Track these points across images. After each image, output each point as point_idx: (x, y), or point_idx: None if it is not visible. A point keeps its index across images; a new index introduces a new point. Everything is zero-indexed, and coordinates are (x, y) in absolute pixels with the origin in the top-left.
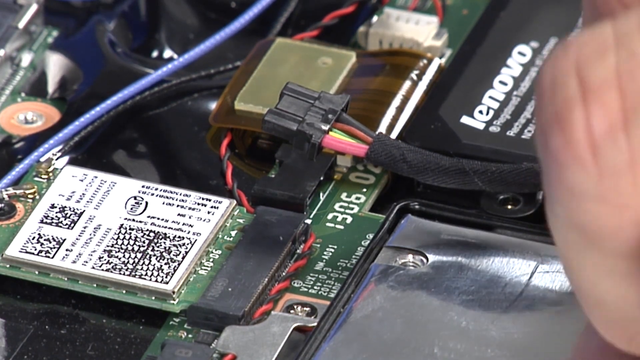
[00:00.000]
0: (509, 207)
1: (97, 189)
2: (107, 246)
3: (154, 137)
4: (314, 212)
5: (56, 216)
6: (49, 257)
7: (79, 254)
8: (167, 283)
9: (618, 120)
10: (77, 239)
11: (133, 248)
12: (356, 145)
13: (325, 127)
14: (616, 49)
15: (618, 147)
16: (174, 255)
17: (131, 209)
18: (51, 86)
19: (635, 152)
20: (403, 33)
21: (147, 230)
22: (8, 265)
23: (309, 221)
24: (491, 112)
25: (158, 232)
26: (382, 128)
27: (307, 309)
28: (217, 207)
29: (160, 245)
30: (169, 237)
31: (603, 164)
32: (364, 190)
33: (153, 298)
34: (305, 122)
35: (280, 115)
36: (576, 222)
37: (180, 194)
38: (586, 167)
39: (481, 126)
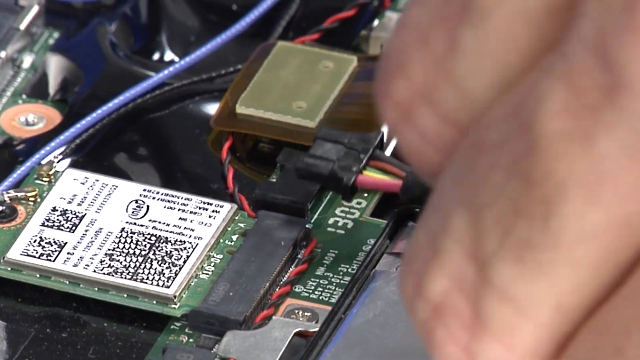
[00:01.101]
0: None
1: (99, 192)
2: (109, 250)
3: (155, 140)
4: (315, 216)
5: (57, 219)
6: (50, 260)
7: (81, 257)
8: (168, 287)
9: None
10: (78, 242)
11: (134, 252)
12: (390, 183)
13: (356, 168)
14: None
15: None
16: (175, 259)
17: (132, 212)
18: (52, 88)
19: None
20: None
21: (149, 234)
22: (9, 268)
23: (310, 226)
24: None
25: (159, 236)
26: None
27: (309, 314)
28: (219, 212)
29: (162, 249)
30: (170, 241)
31: None
32: (365, 195)
33: (154, 302)
34: (337, 165)
35: (313, 161)
36: None
37: (182, 198)
38: None
39: None
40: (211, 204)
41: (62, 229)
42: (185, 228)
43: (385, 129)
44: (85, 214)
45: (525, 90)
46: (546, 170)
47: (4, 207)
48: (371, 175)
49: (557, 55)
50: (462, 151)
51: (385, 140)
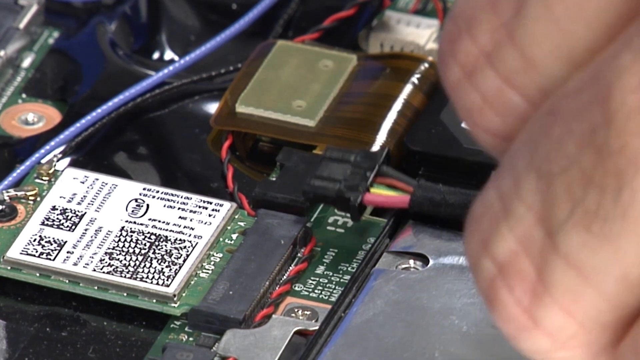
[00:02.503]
0: None
1: (98, 191)
2: (108, 249)
3: (155, 139)
4: (315, 215)
5: (57, 218)
6: (50, 259)
7: (80, 256)
8: (168, 286)
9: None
10: (78, 241)
11: (134, 251)
12: (398, 198)
13: (363, 187)
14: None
15: None
16: (175, 258)
17: (132, 211)
18: (52, 87)
19: None
20: (404, 36)
21: (148, 233)
22: (9, 267)
23: (309, 225)
24: None
25: (159, 234)
26: (383, 132)
27: (308, 312)
28: (218, 210)
29: (162, 248)
30: (170, 240)
31: None
32: None
33: (154, 301)
34: (343, 184)
35: (319, 182)
36: None
37: (182, 197)
38: None
39: None
40: (211, 203)
41: (61, 228)
42: (185, 227)
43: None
44: (85, 212)
45: (604, 61)
46: (621, 144)
47: (3, 206)
48: (378, 193)
49: (636, 29)
50: (537, 117)
51: (391, 155)
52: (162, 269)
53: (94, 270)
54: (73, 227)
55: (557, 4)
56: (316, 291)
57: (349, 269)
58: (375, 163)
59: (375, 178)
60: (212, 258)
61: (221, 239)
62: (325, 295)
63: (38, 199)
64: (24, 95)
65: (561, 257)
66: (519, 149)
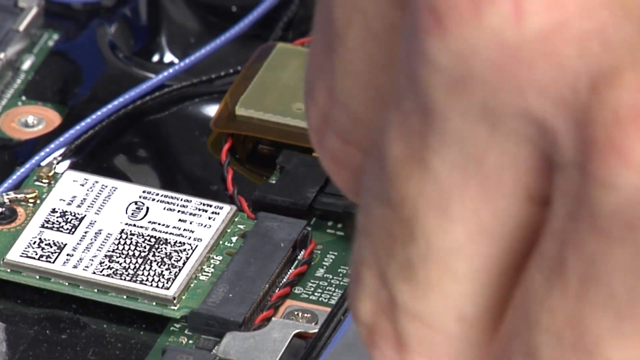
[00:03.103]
0: None
1: (98, 194)
2: (108, 251)
3: (155, 142)
4: (315, 218)
5: (57, 221)
6: (50, 261)
7: (80, 259)
8: (168, 289)
9: None
10: (78, 243)
11: (134, 253)
12: None
13: None
14: None
15: None
16: (174, 261)
17: (132, 214)
18: (52, 90)
19: None
20: None
21: (148, 235)
22: (9, 270)
23: (309, 227)
24: None
25: (159, 237)
26: None
27: (308, 315)
28: (218, 213)
29: (161, 251)
30: (169, 242)
31: None
32: None
33: (154, 304)
34: (350, 201)
35: (327, 199)
36: None
37: (181, 200)
38: None
39: None
40: (211, 206)
41: (61, 231)
42: (184, 230)
43: None
44: (85, 215)
45: (381, 118)
46: (400, 194)
47: (3, 209)
48: None
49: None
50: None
51: None
52: (162, 271)
53: (94, 272)
54: (73, 229)
55: (351, 56)
56: (316, 294)
57: (349, 271)
58: None
59: None
60: (211, 261)
61: (221, 242)
62: (325, 298)
63: (38, 201)
64: (23, 98)
65: (402, 310)
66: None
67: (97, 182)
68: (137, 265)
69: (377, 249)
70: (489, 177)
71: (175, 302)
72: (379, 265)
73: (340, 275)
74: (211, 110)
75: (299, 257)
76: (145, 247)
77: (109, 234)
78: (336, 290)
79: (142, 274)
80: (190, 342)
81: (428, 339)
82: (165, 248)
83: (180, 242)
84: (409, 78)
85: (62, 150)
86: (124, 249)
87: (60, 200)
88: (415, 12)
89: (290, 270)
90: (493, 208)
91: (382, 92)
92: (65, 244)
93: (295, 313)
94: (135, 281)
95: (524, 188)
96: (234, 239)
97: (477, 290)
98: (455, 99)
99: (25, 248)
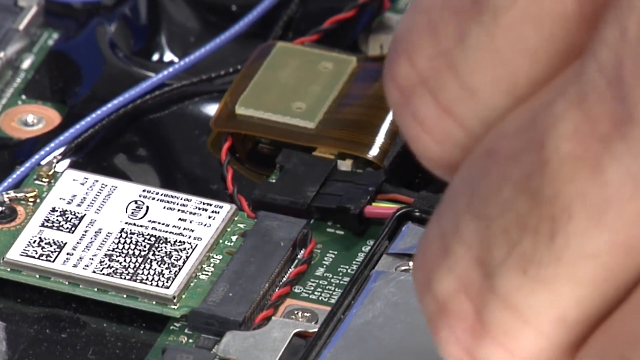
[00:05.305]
0: None
1: (98, 192)
2: (108, 250)
3: (155, 141)
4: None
5: (57, 220)
6: (49, 260)
7: (80, 258)
8: (168, 288)
9: None
10: (78, 242)
11: (134, 252)
12: (400, 208)
13: (364, 199)
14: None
15: None
16: (174, 260)
17: (132, 213)
18: (51, 89)
19: None
20: None
21: (148, 234)
22: (9, 269)
23: (309, 226)
24: None
25: (159, 236)
26: (382, 134)
27: (308, 314)
28: (218, 212)
29: (161, 250)
30: (169, 241)
31: None
32: None
33: (154, 303)
34: (345, 198)
35: (322, 197)
36: None
37: (181, 199)
38: None
39: None
40: (211, 205)
41: (61, 230)
42: (184, 229)
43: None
44: (85, 214)
45: (540, 106)
46: (555, 190)
47: (3, 208)
48: (380, 205)
49: (573, 77)
50: (475, 156)
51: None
52: (162, 270)
53: (94, 271)
54: (73, 228)
55: (500, 35)
56: (316, 293)
57: (349, 270)
58: (379, 180)
59: (377, 194)
60: (211, 260)
61: (221, 241)
62: (324, 297)
63: (38, 200)
64: (23, 97)
65: (498, 298)
66: (458, 186)
67: (97, 181)
68: (137, 265)
69: (492, 233)
70: None
71: (175, 301)
72: (484, 248)
73: (340, 274)
74: (211, 109)
75: (298, 256)
76: (145, 246)
77: (109, 233)
78: (336, 289)
79: (142, 273)
80: (190, 341)
81: (515, 331)
82: (165, 247)
83: (180, 241)
84: (613, 84)
85: (62, 149)
86: (123, 248)
87: (60, 199)
88: None
89: (290, 269)
90: None
91: (521, 78)
92: (65, 243)
93: (295, 312)
94: (135, 280)
95: None
96: (233, 238)
97: (590, 298)
98: None
99: (25, 247)
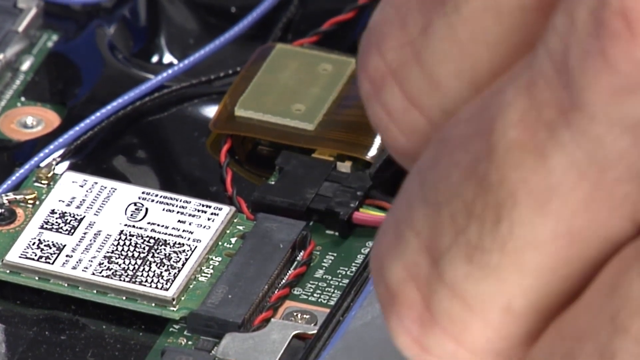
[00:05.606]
0: None
1: (97, 195)
2: (107, 252)
3: (154, 143)
4: (314, 219)
5: (56, 222)
6: (49, 262)
7: (79, 260)
8: (167, 290)
9: None
10: (77, 245)
11: (133, 254)
12: None
13: (353, 204)
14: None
15: None
16: (174, 262)
17: (131, 215)
18: (51, 91)
19: None
20: None
21: (147, 236)
22: (8, 271)
23: (308, 228)
24: None
25: (158, 238)
26: None
27: (307, 316)
28: (217, 214)
29: (160, 252)
30: (169, 243)
31: None
32: None
33: (153, 305)
34: (333, 201)
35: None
36: None
37: (180, 201)
38: None
39: None
40: (210, 207)
41: (60, 232)
42: (184, 231)
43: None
44: (84, 216)
45: (492, 93)
46: (500, 177)
47: (2, 210)
48: (368, 213)
49: (525, 66)
50: (430, 144)
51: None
52: (161, 272)
53: (93, 274)
54: (72, 230)
55: (461, 26)
56: (315, 295)
57: (348, 272)
58: (367, 184)
59: (365, 199)
60: (211, 262)
61: (220, 243)
62: (324, 299)
63: (37, 202)
64: (22, 99)
65: (446, 286)
66: (413, 173)
67: (96, 183)
68: (137, 267)
69: (440, 220)
70: (604, 188)
71: (174, 303)
72: (433, 235)
73: (340, 276)
74: (210, 111)
75: (298, 258)
76: (144, 248)
77: (108, 235)
78: (335, 291)
79: (142, 275)
80: (190, 343)
81: (462, 320)
82: (165, 249)
83: (179, 243)
84: (560, 71)
85: (61, 151)
86: (123, 250)
87: (60, 201)
88: (597, 12)
89: (289, 271)
90: (592, 218)
91: (482, 68)
92: (65, 245)
93: (294, 314)
94: (134, 282)
95: (633, 212)
96: (233, 240)
97: (536, 288)
98: (614, 105)
99: (25, 249)
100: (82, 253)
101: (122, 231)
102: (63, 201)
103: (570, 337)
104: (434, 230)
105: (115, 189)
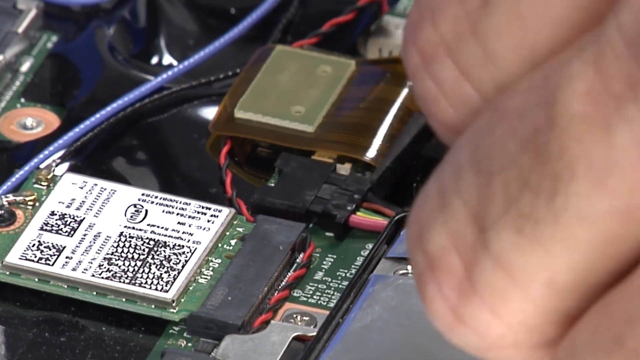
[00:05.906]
0: None
1: (97, 196)
2: (107, 254)
3: (154, 145)
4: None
5: (56, 223)
6: (48, 264)
7: (79, 261)
8: (167, 291)
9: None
10: (77, 246)
11: (133, 256)
12: (384, 224)
13: (350, 207)
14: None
15: None
16: (173, 263)
17: (131, 217)
18: (51, 92)
19: None
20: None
21: (147, 238)
22: (8, 272)
23: (308, 230)
24: None
25: (158, 240)
26: (381, 136)
27: (307, 318)
28: (217, 216)
29: (160, 254)
30: (168, 245)
31: None
32: None
33: (153, 306)
34: (330, 204)
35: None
36: None
37: (180, 202)
38: None
39: None
40: (210, 209)
41: (60, 233)
42: (183, 232)
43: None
44: (84, 218)
45: (555, 65)
46: (560, 148)
47: (2, 211)
48: (365, 217)
49: (592, 37)
50: (484, 114)
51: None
52: (161, 274)
53: (93, 275)
54: (72, 232)
55: (525, 1)
56: (315, 297)
57: (347, 274)
58: (364, 187)
59: (362, 202)
60: (210, 264)
61: (220, 245)
62: (323, 301)
63: (37, 204)
64: (22, 100)
65: (491, 256)
66: (463, 142)
67: (96, 184)
68: (136, 268)
69: (491, 188)
70: None
71: (174, 305)
72: (482, 204)
73: (339, 278)
74: (210, 112)
75: (297, 260)
76: (144, 250)
77: (107, 236)
78: (335, 293)
79: (141, 277)
80: (189, 345)
81: (502, 291)
82: (164, 251)
83: (179, 245)
84: (631, 45)
85: (61, 153)
86: (122, 251)
87: (59, 202)
88: None
89: (289, 273)
90: None
91: (541, 45)
92: (64, 247)
93: (294, 316)
94: (134, 284)
95: None
96: (232, 241)
97: (583, 264)
98: None
99: (24, 251)
100: (82, 255)
101: (121, 233)
102: (63, 203)
103: (619, 318)
104: (483, 198)
105: (115, 191)
